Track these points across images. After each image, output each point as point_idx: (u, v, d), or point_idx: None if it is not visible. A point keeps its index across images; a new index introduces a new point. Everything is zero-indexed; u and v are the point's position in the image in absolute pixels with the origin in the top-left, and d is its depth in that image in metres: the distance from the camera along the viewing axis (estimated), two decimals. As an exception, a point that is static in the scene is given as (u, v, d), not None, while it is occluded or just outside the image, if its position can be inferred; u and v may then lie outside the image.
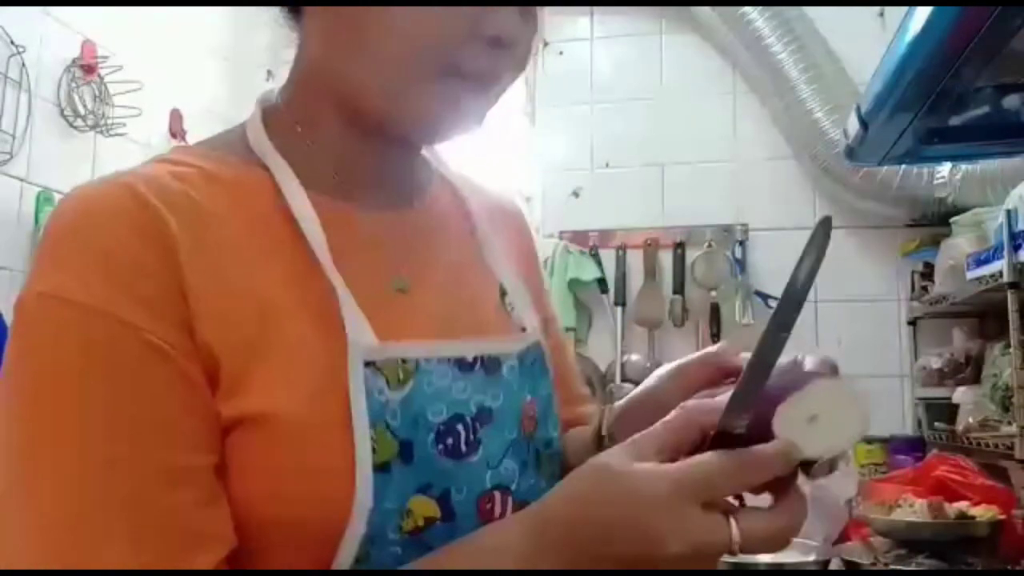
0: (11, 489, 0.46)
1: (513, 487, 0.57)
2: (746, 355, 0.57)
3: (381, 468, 0.50)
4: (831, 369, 0.53)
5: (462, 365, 0.57)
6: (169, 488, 0.47)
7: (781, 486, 0.45)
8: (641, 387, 0.66)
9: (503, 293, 0.66)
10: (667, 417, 0.50)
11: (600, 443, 0.65)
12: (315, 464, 0.50)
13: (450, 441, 0.54)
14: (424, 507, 0.52)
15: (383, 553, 0.50)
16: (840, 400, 0.47)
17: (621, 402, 0.68)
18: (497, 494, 0.56)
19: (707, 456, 0.46)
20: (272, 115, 0.61)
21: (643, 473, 0.45)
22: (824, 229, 0.47)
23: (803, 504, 0.46)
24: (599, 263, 2.41)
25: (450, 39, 0.53)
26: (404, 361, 0.53)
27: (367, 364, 0.52)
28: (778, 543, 0.45)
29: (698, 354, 0.63)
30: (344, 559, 0.49)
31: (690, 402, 0.52)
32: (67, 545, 0.45)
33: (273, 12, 0.65)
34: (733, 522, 0.44)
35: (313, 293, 0.53)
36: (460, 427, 0.55)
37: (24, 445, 0.46)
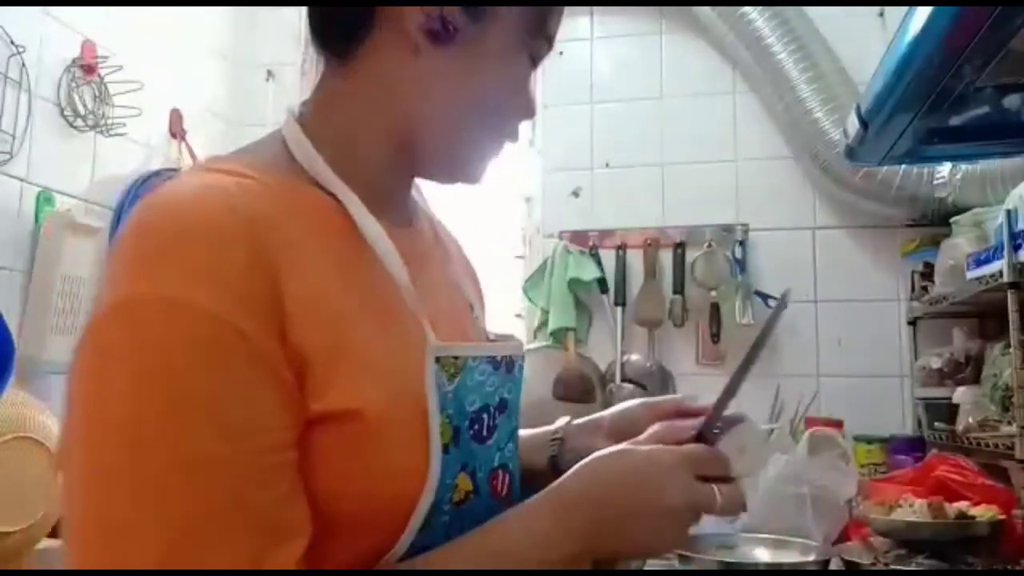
0: (118, 483, 0.48)
1: (511, 465, 0.69)
2: (694, 399, 0.79)
3: (443, 450, 0.59)
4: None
5: (494, 363, 0.67)
6: (266, 485, 0.51)
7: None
8: (609, 410, 0.82)
9: (470, 307, 0.77)
10: (651, 430, 0.68)
11: (554, 441, 0.81)
12: (396, 449, 0.57)
13: (477, 427, 0.64)
14: (464, 482, 0.62)
15: (438, 522, 0.59)
16: (758, 440, 0.68)
17: (582, 419, 0.83)
18: (500, 471, 0.67)
19: (698, 445, 0.65)
20: (311, 133, 0.64)
21: (656, 448, 0.63)
22: (785, 300, 0.73)
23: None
24: (599, 263, 2.41)
25: (515, 114, 0.69)
26: (456, 358, 0.63)
27: (435, 360, 0.61)
28: (739, 508, 0.62)
29: (670, 396, 0.81)
30: (414, 525, 0.57)
31: (666, 423, 0.70)
32: (177, 538, 0.47)
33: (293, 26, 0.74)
34: (717, 489, 0.61)
35: (377, 298, 0.60)
36: (485, 416, 0.65)
37: (132, 440, 0.48)
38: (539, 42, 0.67)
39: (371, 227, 0.61)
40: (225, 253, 0.51)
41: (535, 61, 0.68)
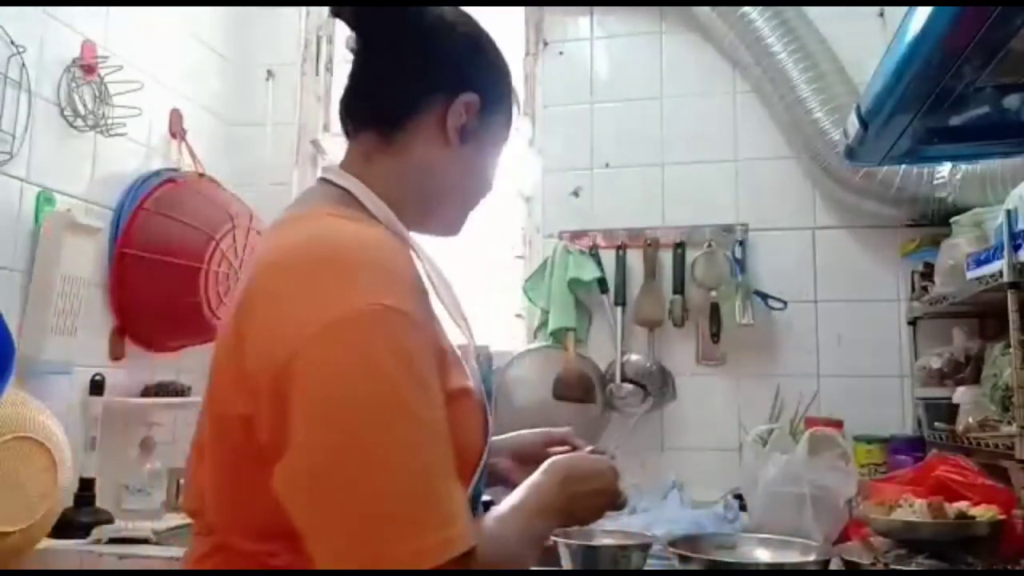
0: (395, 435, 0.68)
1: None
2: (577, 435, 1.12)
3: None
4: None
5: (488, 361, 1.04)
6: (448, 442, 0.72)
7: None
8: (506, 436, 1.12)
9: None
10: (576, 453, 1.05)
11: None
12: (478, 417, 0.83)
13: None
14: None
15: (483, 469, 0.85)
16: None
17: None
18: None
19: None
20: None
21: (598, 458, 1.00)
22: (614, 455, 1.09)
23: None
24: (599, 263, 2.41)
25: (489, 188, 0.98)
26: (478, 357, 0.89)
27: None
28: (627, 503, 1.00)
29: (561, 429, 1.14)
30: (481, 469, 0.83)
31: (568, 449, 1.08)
32: (434, 462, 0.70)
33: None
34: (622, 484, 0.97)
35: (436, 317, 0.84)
36: (484, 400, 0.88)
37: (391, 411, 0.68)
38: (507, 139, 0.99)
39: (432, 263, 0.87)
40: (410, 277, 0.77)
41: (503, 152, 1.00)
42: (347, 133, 0.92)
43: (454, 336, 0.87)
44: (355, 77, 0.91)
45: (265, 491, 0.69)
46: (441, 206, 0.92)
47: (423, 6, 0.89)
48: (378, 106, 0.89)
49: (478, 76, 0.91)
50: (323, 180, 0.89)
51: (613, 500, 0.95)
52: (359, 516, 0.66)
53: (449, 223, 0.96)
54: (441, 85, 0.88)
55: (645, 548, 1.45)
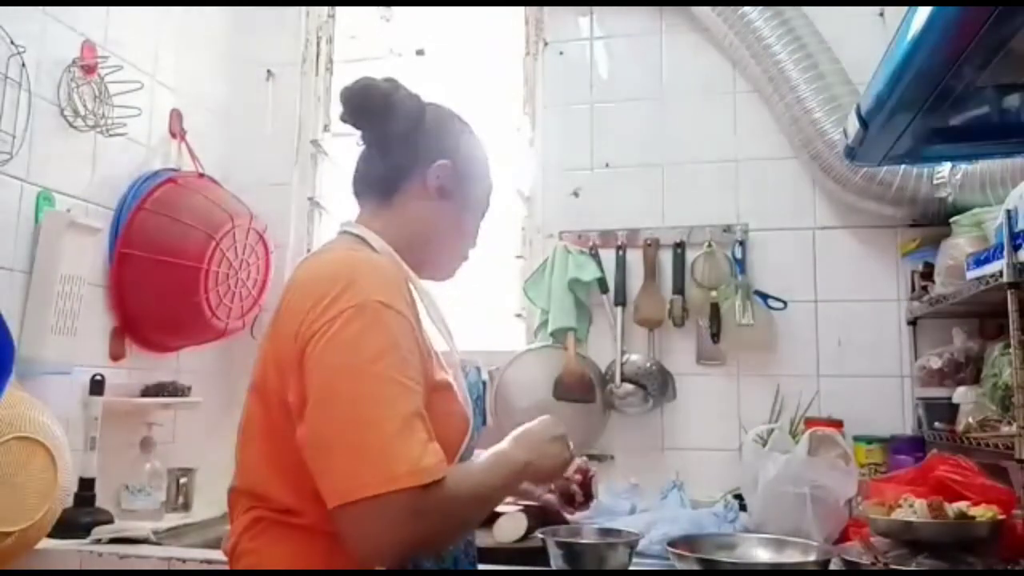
0: (379, 392, 0.90)
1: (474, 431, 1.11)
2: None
3: (472, 414, 1.08)
4: None
5: (476, 371, 1.17)
6: (420, 405, 0.93)
7: None
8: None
9: None
10: None
11: None
12: (460, 407, 1.05)
13: (476, 408, 1.11)
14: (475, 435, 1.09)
15: (468, 451, 1.06)
16: None
17: None
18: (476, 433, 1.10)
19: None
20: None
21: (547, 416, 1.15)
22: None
23: None
24: (599, 263, 2.41)
25: (472, 243, 1.24)
26: (464, 367, 1.12)
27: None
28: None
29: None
30: (463, 451, 1.04)
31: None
32: (409, 415, 0.90)
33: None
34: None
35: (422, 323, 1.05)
36: (478, 401, 1.12)
37: (377, 374, 0.91)
38: (487, 204, 1.25)
39: (423, 289, 1.08)
40: (401, 287, 0.99)
41: (484, 214, 1.25)
42: (357, 197, 1.17)
43: (440, 344, 1.08)
44: (360, 162, 1.18)
45: (296, 454, 0.92)
46: (432, 251, 1.15)
47: (401, 101, 1.13)
48: (377, 180, 1.16)
49: (448, 146, 1.16)
50: (342, 232, 1.13)
51: (567, 444, 1.11)
52: (353, 451, 0.87)
53: (441, 267, 1.20)
54: (420, 157, 1.14)
55: (631, 545, 1.44)
